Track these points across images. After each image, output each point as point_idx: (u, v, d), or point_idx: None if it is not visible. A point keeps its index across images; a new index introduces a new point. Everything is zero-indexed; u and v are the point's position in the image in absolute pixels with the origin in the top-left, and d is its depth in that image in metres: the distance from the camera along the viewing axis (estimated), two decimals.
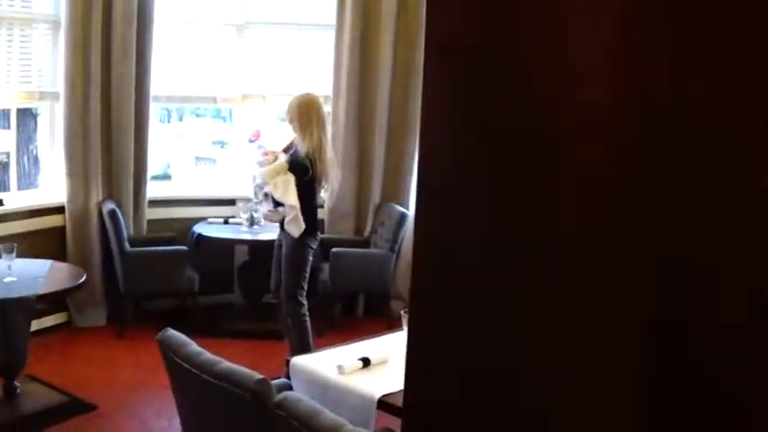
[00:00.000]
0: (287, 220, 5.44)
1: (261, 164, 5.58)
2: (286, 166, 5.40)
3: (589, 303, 1.48)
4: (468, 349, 1.71)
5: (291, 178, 5.38)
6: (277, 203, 5.51)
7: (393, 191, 7.58)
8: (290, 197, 5.38)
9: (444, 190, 1.73)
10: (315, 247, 5.66)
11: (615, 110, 1.41)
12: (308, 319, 5.63)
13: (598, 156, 1.44)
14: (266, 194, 5.57)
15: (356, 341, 4.23)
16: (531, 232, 1.56)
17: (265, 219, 5.57)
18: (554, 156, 1.50)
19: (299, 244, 5.51)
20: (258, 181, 5.56)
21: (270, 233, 6.76)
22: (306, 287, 5.66)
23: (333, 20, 7.34)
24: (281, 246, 5.68)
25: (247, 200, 7.01)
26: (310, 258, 5.64)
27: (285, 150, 5.61)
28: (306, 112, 5.42)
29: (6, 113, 6.84)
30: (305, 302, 5.64)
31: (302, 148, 5.42)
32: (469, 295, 1.70)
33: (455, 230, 1.72)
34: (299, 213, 5.40)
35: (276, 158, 5.50)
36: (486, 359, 1.68)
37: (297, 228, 5.41)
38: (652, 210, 1.38)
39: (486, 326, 1.67)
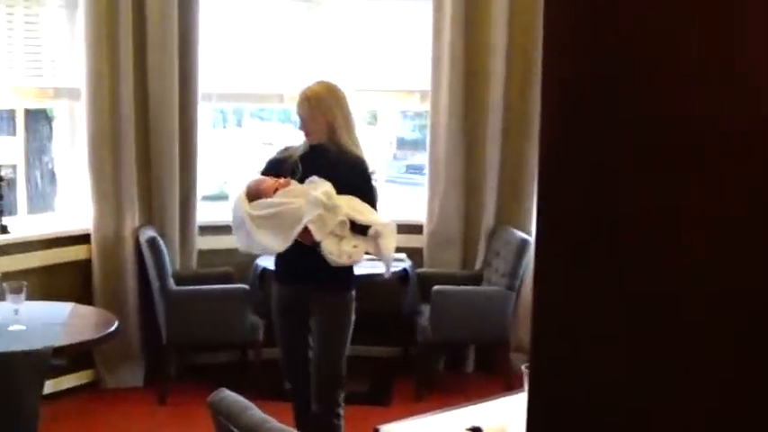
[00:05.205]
0: (385, 248, 4.88)
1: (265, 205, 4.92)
2: (331, 188, 4.84)
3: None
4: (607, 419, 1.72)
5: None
6: (357, 231, 4.90)
7: (511, 211, 7.56)
8: (374, 214, 4.95)
9: (571, 209, 1.70)
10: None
11: None
12: (343, 422, 5.16)
13: None
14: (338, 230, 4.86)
15: (464, 405, 4.16)
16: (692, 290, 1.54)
17: (346, 260, 4.86)
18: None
19: (346, 303, 5.08)
20: (309, 217, 4.78)
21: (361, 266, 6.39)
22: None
23: None
24: (293, 307, 5.14)
25: None
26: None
27: (273, 165, 5.21)
28: (347, 103, 5.10)
29: (11, 116, 6.84)
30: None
31: (354, 149, 5.02)
32: (607, 347, 1.69)
33: (588, 266, 1.70)
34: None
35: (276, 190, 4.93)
36: None
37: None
38: None
39: (625, 395, 1.67)
